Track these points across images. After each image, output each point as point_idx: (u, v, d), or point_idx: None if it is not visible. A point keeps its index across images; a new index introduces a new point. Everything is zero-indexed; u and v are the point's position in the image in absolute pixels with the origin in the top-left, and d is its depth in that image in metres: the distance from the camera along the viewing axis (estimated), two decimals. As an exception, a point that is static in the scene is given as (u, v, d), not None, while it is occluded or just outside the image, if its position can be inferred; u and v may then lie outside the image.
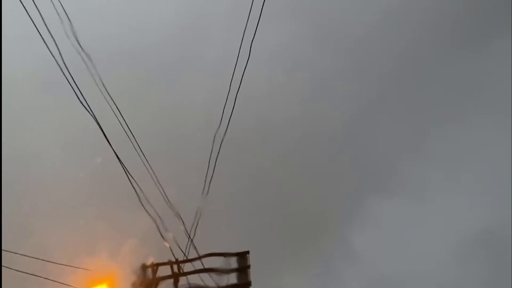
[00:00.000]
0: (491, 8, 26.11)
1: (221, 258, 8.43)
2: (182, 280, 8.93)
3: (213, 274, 8.51)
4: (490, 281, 22.91)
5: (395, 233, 25.96)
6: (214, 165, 9.15)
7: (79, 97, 7.48)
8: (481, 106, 27.05)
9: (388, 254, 25.34)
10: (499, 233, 23.99)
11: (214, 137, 8.91)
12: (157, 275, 9.12)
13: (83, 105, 7.59)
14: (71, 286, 11.55)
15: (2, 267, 9.62)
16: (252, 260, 8.50)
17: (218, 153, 9.01)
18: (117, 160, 8.31)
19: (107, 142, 8.02)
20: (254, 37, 7.69)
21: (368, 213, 26.75)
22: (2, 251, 9.62)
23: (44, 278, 10.86)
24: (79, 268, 11.89)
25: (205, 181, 9.20)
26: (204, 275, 8.75)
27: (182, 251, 9.28)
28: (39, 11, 6.68)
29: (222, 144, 8.78)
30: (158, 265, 9.16)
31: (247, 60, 7.85)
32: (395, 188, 27.18)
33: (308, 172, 26.18)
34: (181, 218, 9.45)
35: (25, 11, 6.58)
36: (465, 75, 27.38)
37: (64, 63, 7.08)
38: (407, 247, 25.30)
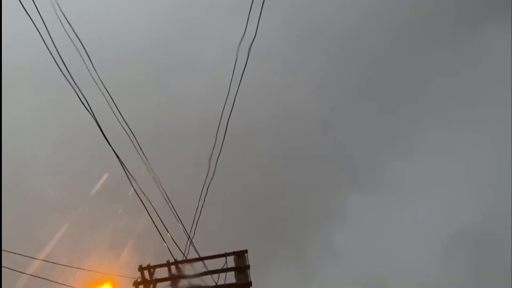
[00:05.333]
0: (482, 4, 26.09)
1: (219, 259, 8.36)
2: (182, 280, 8.87)
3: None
4: (472, 278, 22.91)
5: (377, 230, 25.99)
6: (215, 165, 9.13)
7: (80, 96, 7.46)
8: (463, 105, 27.06)
9: (369, 251, 25.38)
10: (481, 230, 24.06)
11: (216, 138, 8.88)
12: (155, 276, 9.08)
13: (84, 105, 7.57)
14: (72, 286, 11.51)
15: (2, 267, 9.59)
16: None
17: (219, 154, 8.97)
18: (117, 159, 8.28)
19: (106, 142, 7.99)
20: (254, 37, 7.66)
21: (350, 210, 26.70)
22: (2, 251, 9.59)
23: (45, 278, 10.82)
24: (80, 268, 11.86)
25: (205, 181, 9.17)
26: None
27: (182, 252, 9.24)
28: (38, 10, 6.68)
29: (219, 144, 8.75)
30: (155, 267, 9.12)
31: (247, 60, 7.83)
32: (376, 185, 27.19)
33: (291, 171, 26.14)
34: (179, 219, 9.42)
35: (25, 11, 6.58)
36: (448, 73, 27.36)
37: (63, 62, 7.07)
38: (388, 244, 25.36)
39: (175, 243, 8.98)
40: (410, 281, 23.31)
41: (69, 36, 7.24)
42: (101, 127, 7.65)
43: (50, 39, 6.76)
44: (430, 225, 25.15)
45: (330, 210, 26.64)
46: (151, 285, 8.98)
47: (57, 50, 6.75)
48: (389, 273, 24.04)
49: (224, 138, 8.76)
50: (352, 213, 26.50)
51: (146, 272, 9.24)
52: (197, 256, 9.31)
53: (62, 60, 6.91)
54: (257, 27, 7.52)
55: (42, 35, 6.75)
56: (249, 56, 7.57)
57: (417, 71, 27.78)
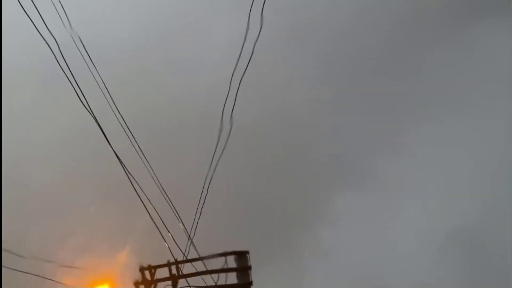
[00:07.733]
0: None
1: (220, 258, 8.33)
2: (182, 280, 8.85)
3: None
4: (467, 276, 22.91)
5: (371, 229, 25.91)
6: (215, 166, 9.08)
7: (79, 96, 7.43)
8: (458, 101, 26.99)
9: (363, 250, 25.29)
10: (473, 230, 24.06)
11: (218, 137, 8.84)
12: (156, 276, 9.05)
13: (84, 105, 7.54)
14: (72, 286, 11.51)
15: (2, 267, 9.58)
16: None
17: (222, 153, 8.94)
18: (117, 159, 8.26)
19: (107, 142, 7.97)
20: (258, 38, 7.61)
21: (344, 209, 26.50)
22: (2, 251, 9.58)
23: (45, 278, 10.82)
24: (80, 268, 11.85)
25: (204, 182, 9.13)
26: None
27: (182, 252, 9.22)
28: (37, 10, 6.65)
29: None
30: (156, 267, 9.08)
31: (249, 59, 7.79)
32: (370, 184, 27.04)
33: (282, 170, 25.89)
34: (180, 218, 9.41)
35: (24, 10, 6.55)
36: (443, 70, 27.25)
37: (65, 61, 7.04)
38: (383, 243, 25.31)
39: (176, 242, 8.97)
40: (404, 279, 23.29)
41: (70, 35, 7.22)
42: (101, 126, 7.63)
43: (51, 36, 6.72)
44: (425, 224, 25.13)
45: (324, 209, 26.52)
46: (152, 286, 8.96)
47: (59, 48, 6.72)
48: (384, 272, 24.04)
49: (227, 139, 8.71)
50: (345, 212, 26.36)
51: (146, 272, 9.20)
52: (196, 256, 9.28)
53: (63, 57, 6.87)
54: (261, 27, 7.46)
55: (41, 33, 6.72)
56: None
57: (411, 68, 27.67)
